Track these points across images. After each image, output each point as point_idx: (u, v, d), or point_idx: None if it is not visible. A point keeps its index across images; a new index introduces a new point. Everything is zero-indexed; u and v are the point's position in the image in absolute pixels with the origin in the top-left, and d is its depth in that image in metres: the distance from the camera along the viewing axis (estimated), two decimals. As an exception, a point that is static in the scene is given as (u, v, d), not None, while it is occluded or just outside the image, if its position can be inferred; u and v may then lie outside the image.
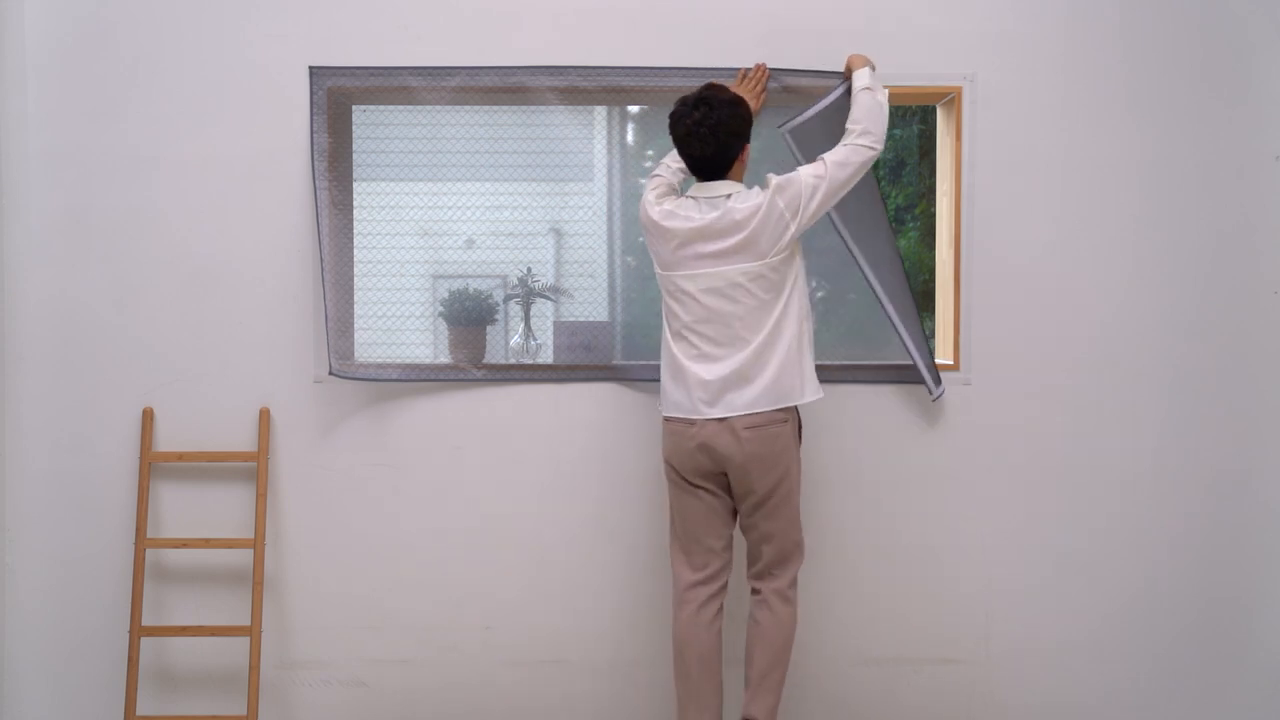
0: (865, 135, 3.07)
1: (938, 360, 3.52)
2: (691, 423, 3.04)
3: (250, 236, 3.46)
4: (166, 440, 3.46)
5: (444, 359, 3.56)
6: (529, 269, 3.62)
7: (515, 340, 3.63)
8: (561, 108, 3.50)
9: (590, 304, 3.60)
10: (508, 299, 3.61)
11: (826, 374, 3.17)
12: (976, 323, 3.47)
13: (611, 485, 3.49)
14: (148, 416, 3.44)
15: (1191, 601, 3.52)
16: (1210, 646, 3.52)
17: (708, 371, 3.01)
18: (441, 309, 3.56)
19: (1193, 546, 3.52)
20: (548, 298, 3.63)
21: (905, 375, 3.48)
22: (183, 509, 3.47)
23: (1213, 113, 3.49)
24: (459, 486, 3.49)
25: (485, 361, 3.53)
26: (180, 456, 3.43)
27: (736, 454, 3.00)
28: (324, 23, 3.45)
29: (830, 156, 3.04)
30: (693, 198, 3.07)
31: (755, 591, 3.14)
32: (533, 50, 3.44)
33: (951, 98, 3.48)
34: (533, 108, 3.50)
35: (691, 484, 3.09)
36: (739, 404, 2.99)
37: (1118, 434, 3.50)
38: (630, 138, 3.67)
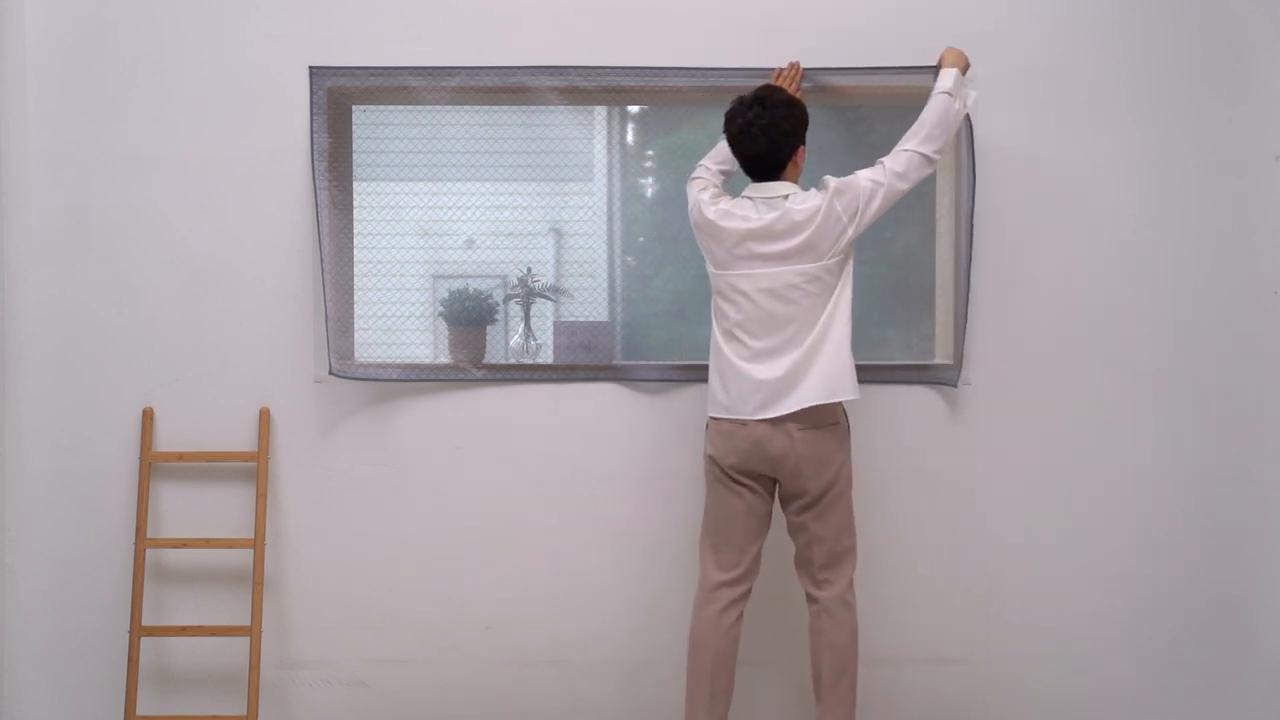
0: (928, 143, 3.02)
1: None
2: (744, 424, 3.00)
3: (250, 236, 3.46)
4: (166, 440, 3.46)
5: (444, 359, 3.56)
6: (529, 269, 3.62)
7: (515, 340, 3.63)
8: (561, 108, 3.50)
9: (590, 304, 3.60)
10: (508, 299, 3.61)
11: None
12: (976, 323, 3.47)
13: (611, 485, 3.49)
14: (148, 416, 3.44)
15: (1191, 600, 3.52)
16: (1210, 645, 3.52)
17: (761, 372, 2.98)
18: (441, 309, 3.56)
19: (1193, 546, 3.52)
20: (548, 298, 3.63)
21: (904, 376, 3.48)
22: (183, 509, 3.47)
23: (1213, 113, 3.49)
24: (459, 486, 3.49)
25: (485, 361, 3.53)
26: (180, 456, 3.43)
27: (789, 455, 2.97)
28: (324, 23, 3.45)
29: (890, 163, 3.01)
30: (749, 198, 3.03)
31: (813, 600, 3.09)
32: (533, 50, 3.44)
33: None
34: (533, 108, 3.50)
35: (737, 483, 3.06)
36: (791, 403, 2.96)
37: (1118, 434, 3.50)
38: (630, 138, 3.67)
